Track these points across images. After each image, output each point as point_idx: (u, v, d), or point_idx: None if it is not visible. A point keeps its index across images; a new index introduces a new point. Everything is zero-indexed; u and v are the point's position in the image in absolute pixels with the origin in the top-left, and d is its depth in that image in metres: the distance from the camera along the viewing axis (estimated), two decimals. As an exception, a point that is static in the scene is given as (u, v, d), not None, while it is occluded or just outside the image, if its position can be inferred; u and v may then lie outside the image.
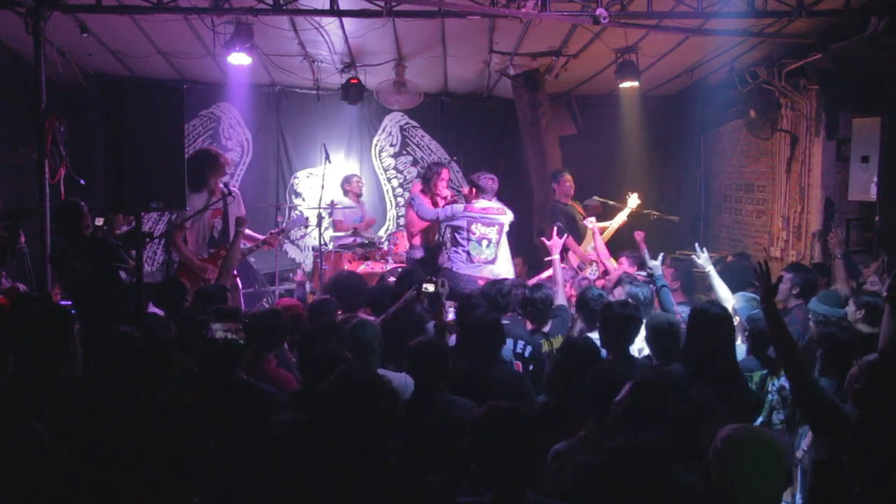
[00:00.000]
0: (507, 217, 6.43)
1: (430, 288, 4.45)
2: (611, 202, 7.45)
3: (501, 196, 9.53)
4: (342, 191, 8.39)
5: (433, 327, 4.48)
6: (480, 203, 6.32)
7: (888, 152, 6.09)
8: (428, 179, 6.90)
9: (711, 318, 3.60)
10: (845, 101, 6.80)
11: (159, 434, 2.19)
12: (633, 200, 7.16)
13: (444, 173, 6.98)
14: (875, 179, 6.13)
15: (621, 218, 7.26)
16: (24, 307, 3.92)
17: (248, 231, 6.11)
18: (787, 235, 7.60)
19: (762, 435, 2.30)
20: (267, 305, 6.77)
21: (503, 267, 6.34)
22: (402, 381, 3.42)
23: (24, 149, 6.08)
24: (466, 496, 2.48)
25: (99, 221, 5.70)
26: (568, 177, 7.35)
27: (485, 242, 6.28)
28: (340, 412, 2.50)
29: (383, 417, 2.56)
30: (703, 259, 5.20)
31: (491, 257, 6.29)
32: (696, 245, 5.37)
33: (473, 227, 6.29)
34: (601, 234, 7.13)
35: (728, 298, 4.79)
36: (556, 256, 5.55)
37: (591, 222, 6.72)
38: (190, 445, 2.20)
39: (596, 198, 7.59)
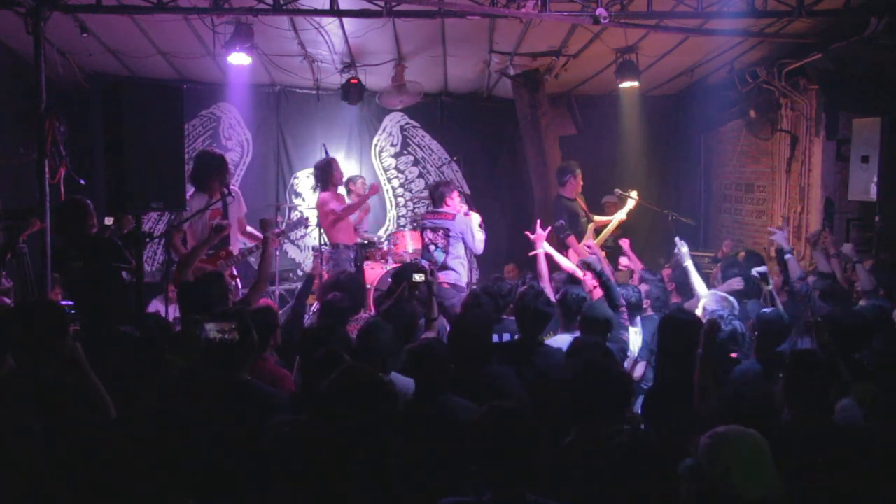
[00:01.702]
0: (458, 221, 6.18)
1: (420, 278, 4.49)
2: (630, 196, 7.42)
3: (501, 196, 9.65)
4: (346, 191, 8.38)
5: (423, 321, 4.51)
6: (433, 210, 6.44)
7: (888, 152, 6.10)
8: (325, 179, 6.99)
9: (679, 324, 3.63)
10: (845, 101, 6.82)
11: (156, 434, 2.19)
12: (632, 198, 7.17)
13: (335, 164, 7.13)
14: (875, 179, 6.14)
15: (620, 215, 7.26)
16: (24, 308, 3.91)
17: (249, 230, 6.12)
18: (787, 235, 7.60)
19: (746, 431, 2.31)
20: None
21: (450, 275, 6.14)
22: (409, 384, 3.42)
23: (24, 149, 6.08)
24: (466, 496, 2.48)
25: (108, 221, 5.68)
26: (580, 174, 7.36)
27: (432, 247, 6.26)
28: (341, 412, 2.50)
29: (384, 418, 2.56)
30: (682, 252, 5.26)
31: (439, 261, 6.15)
32: (676, 238, 5.42)
33: (425, 235, 6.41)
34: (600, 230, 7.14)
35: (704, 295, 4.83)
36: (540, 251, 5.55)
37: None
38: (187, 446, 2.21)
39: (618, 190, 7.57)
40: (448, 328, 4.72)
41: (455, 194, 6.39)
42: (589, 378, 2.84)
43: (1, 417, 2.38)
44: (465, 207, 6.46)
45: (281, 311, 5.44)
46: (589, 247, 6.15)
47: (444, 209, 6.29)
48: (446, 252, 6.18)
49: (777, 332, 3.97)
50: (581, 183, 7.30)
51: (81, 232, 4.97)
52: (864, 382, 3.37)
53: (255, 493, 2.68)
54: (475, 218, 6.35)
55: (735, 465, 2.23)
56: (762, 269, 5.11)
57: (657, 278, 5.61)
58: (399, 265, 6.82)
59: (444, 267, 6.11)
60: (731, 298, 4.61)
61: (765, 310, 4.21)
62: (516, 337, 4.29)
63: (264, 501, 2.66)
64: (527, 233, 5.87)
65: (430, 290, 4.52)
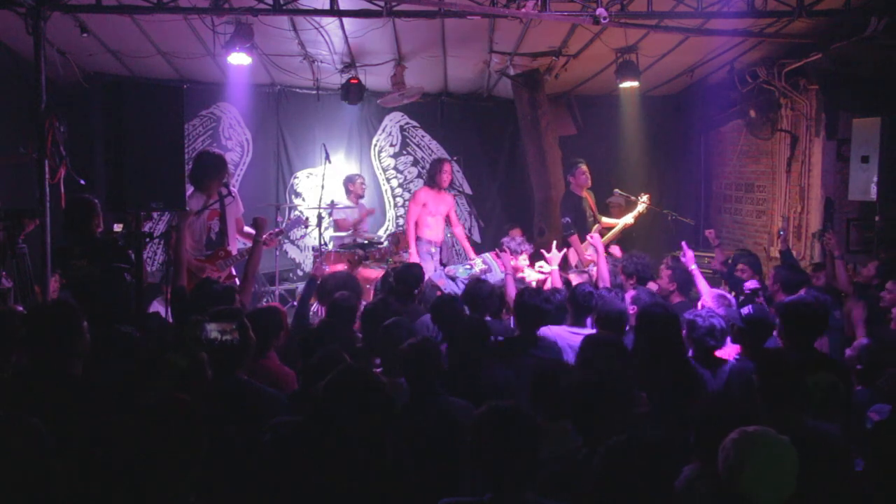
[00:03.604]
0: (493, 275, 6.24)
1: None
2: (632, 197, 7.50)
3: (501, 195, 9.65)
4: (345, 190, 8.39)
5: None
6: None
7: (888, 152, 6.10)
8: (431, 175, 7.54)
9: (655, 319, 3.71)
10: (845, 101, 6.83)
11: (156, 433, 2.19)
12: (643, 202, 7.21)
13: (447, 166, 7.58)
14: (875, 179, 6.14)
15: (627, 219, 7.29)
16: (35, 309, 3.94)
17: (247, 229, 6.11)
18: (787, 235, 7.61)
19: (772, 436, 2.30)
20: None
21: (450, 286, 6.19)
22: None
23: (24, 149, 6.07)
24: (466, 496, 2.48)
25: (117, 227, 5.68)
26: (584, 168, 7.38)
27: (467, 264, 6.50)
28: (339, 412, 2.50)
29: (381, 418, 2.56)
30: (687, 258, 5.32)
31: (456, 275, 6.30)
32: (683, 244, 5.50)
33: (481, 255, 6.72)
34: (606, 231, 7.18)
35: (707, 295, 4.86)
36: (554, 267, 5.62)
37: (594, 237, 6.33)
38: (186, 445, 2.21)
39: (617, 191, 7.61)
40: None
41: (506, 256, 6.10)
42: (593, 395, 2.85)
43: (4, 415, 2.38)
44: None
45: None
46: (591, 237, 6.16)
47: (501, 260, 6.22)
48: (468, 276, 6.21)
49: (762, 328, 3.99)
50: (587, 177, 7.36)
51: (87, 231, 4.97)
52: (823, 371, 3.34)
53: (255, 491, 2.69)
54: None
55: (752, 467, 2.23)
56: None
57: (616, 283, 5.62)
58: (397, 265, 6.84)
59: (453, 279, 6.20)
60: (728, 296, 4.62)
61: (750, 309, 4.22)
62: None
63: (264, 499, 2.66)
64: (542, 251, 5.99)
65: None
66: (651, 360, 3.59)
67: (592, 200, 7.50)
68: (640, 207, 7.29)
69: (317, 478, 2.49)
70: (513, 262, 5.99)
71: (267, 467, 2.65)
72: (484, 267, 6.25)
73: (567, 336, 4.37)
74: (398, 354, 3.32)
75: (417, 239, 7.45)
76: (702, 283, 5.18)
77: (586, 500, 2.33)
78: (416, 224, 7.48)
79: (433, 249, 7.49)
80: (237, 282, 5.83)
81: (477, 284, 4.94)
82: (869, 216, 6.58)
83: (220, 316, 3.30)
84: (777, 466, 2.25)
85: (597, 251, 5.99)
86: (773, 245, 7.88)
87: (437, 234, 7.51)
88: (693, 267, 5.28)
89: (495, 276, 6.14)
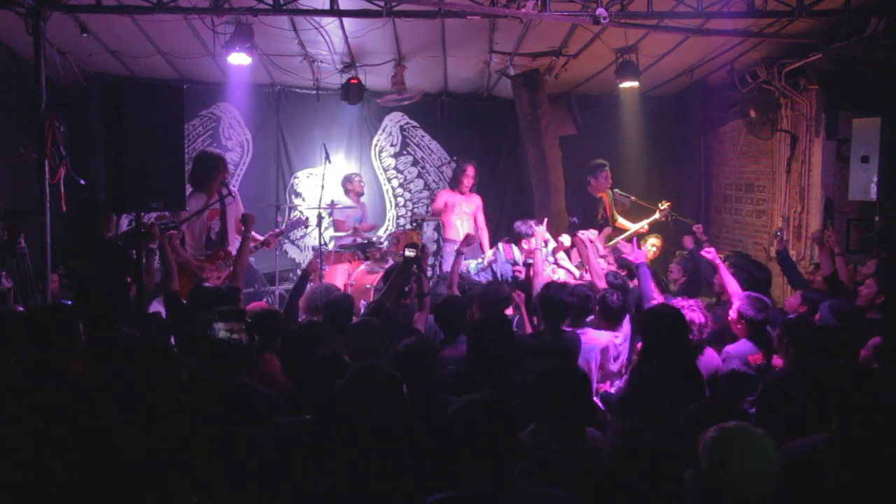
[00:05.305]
0: (502, 263, 6.36)
1: (411, 254, 4.52)
2: (632, 197, 7.57)
3: (501, 196, 9.65)
4: (343, 190, 8.39)
5: (416, 298, 4.62)
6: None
7: (888, 152, 6.10)
8: (455, 177, 7.99)
9: (664, 319, 3.77)
10: (845, 101, 6.83)
11: (156, 433, 2.19)
12: (661, 210, 7.25)
13: (470, 170, 7.89)
14: (875, 179, 6.14)
15: (643, 224, 7.30)
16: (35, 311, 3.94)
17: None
18: (787, 235, 7.61)
19: (751, 431, 2.30)
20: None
21: None
22: None
23: (24, 149, 6.07)
24: (455, 492, 2.48)
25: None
26: (608, 172, 7.65)
27: (479, 260, 6.68)
28: (362, 411, 2.48)
29: (402, 416, 2.55)
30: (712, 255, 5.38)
31: (469, 269, 6.48)
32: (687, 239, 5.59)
33: (497, 246, 6.64)
34: (618, 234, 7.21)
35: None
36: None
37: (586, 234, 6.22)
38: (187, 445, 2.21)
39: (617, 191, 7.64)
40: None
41: (530, 240, 6.03)
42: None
43: (5, 416, 2.38)
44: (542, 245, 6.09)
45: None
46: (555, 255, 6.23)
47: (517, 247, 6.26)
48: (478, 271, 6.32)
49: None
50: (606, 182, 7.64)
51: (89, 231, 4.98)
52: None
53: (256, 491, 2.69)
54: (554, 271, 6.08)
55: (735, 462, 2.23)
56: None
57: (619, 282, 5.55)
58: (391, 265, 6.84)
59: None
60: (764, 298, 4.57)
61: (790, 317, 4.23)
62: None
63: (265, 499, 2.66)
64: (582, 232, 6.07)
65: (420, 268, 4.56)
66: (661, 360, 3.64)
67: (609, 201, 7.57)
68: (657, 215, 7.31)
69: (318, 477, 2.49)
70: (525, 247, 6.06)
71: (270, 467, 2.65)
72: (492, 258, 6.28)
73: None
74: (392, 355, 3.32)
75: (444, 240, 7.84)
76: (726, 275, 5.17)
77: (590, 501, 2.33)
78: (443, 224, 7.94)
79: (449, 248, 7.69)
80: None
81: (490, 287, 4.94)
82: (869, 216, 6.58)
83: (228, 315, 3.30)
84: (757, 461, 2.25)
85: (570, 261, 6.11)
86: (772, 245, 7.89)
87: (464, 234, 7.56)
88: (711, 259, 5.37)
89: (501, 266, 6.15)
